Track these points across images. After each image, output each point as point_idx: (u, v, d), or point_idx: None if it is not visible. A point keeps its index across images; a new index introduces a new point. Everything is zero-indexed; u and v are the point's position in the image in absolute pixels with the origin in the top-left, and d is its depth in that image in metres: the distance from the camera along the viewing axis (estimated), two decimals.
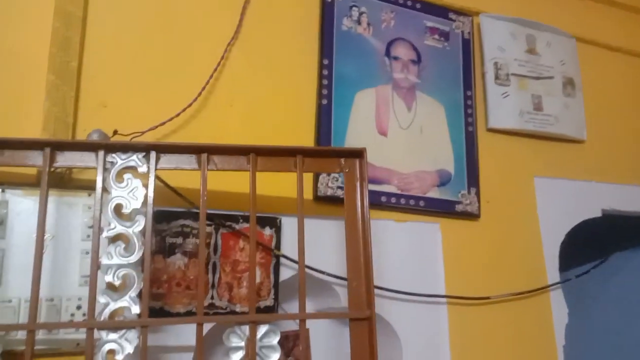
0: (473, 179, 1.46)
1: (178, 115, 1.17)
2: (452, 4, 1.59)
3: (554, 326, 1.45)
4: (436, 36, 1.54)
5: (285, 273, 1.23)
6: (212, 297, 1.12)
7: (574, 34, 1.76)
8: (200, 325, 0.92)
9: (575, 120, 1.68)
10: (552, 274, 1.49)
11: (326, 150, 1.13)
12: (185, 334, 1.07)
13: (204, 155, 1.00)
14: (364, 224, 1.02)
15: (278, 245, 1.21)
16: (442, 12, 1.57)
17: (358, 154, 1.06)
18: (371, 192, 1.32)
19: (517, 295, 1.42)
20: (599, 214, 1.64)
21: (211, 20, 1.31)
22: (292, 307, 1.28)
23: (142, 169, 0.98)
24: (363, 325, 0.97)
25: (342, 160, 1.07)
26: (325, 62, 1.38)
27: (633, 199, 1.72)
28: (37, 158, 0.94)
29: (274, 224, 1.20)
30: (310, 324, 1.37)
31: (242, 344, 0.94)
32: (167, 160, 1.00)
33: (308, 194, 1.28)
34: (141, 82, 1.21)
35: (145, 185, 0.97)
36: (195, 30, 1.29)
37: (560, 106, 1.65)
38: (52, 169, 1.01)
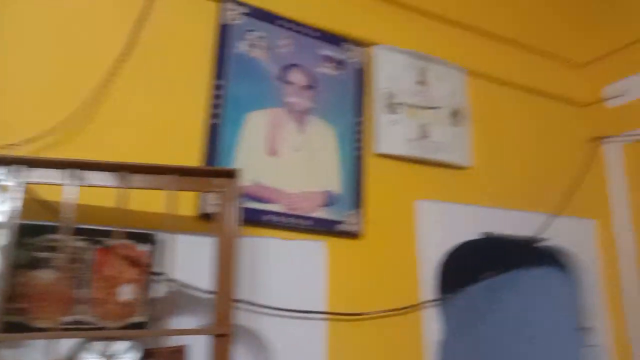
0: (358, 200, 1.53)
1: (53, 128, 1.17)
2: (349, 34, 1.67)
3: (426, 343, 1.53)
4: (330, 64, 1.61)
5: (163, 290, 1.24)
6: (79, 313, 1.11)
7: (465, 67, 1.88)
8: (53, 340, 0.92)
9: (460, 148, 1.79)
10: (427, 292, 1.57)
11: (202, 170, 1.16)
12: (51, 349, 1.06)
13: (75, 171, 1.02)
14: (233, 242, 1.06)
15: (155, 262, 1.22)
16: (338, 41, 1.64)
17: (232, 174, 1.10)
18: (256, 211, 1.37)
19: (389, 312, 1.49)
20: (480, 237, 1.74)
21: (104, 35, 1.32)
22: (171, 323, 1.29)
23: (8, 182, 0.98)
24: (224, 341, 1.00)
25: (217, 180, 1.10)
26: (219, 82, 1.42)
27: (516, 223, 1.84)
28: None
29: (151, 240, 1.21)
30: (192, 339, 1.40)
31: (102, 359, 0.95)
32: (36, 175, 1.01)
33: (192, 211, 1.31)
34: (28, 95, 1.20)
35: (12, 199, 0.97)
36: (87, 46, 1.29)
37: (446, 134, 1.76)
38: None
